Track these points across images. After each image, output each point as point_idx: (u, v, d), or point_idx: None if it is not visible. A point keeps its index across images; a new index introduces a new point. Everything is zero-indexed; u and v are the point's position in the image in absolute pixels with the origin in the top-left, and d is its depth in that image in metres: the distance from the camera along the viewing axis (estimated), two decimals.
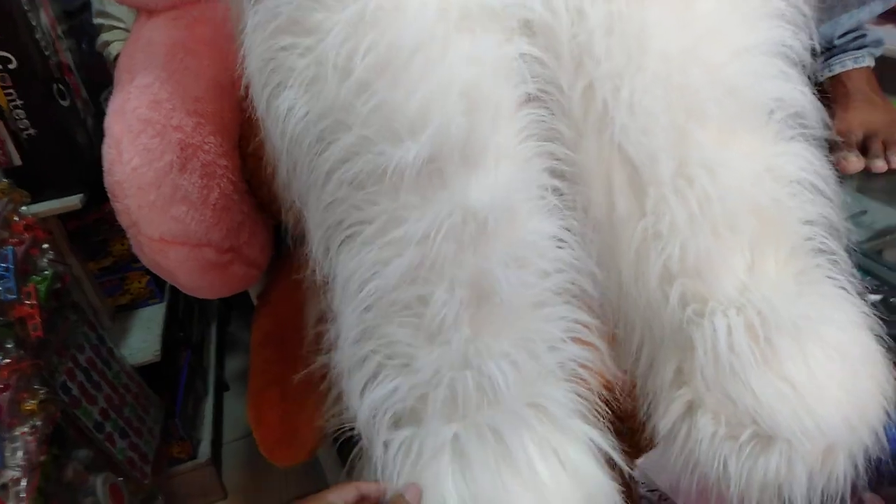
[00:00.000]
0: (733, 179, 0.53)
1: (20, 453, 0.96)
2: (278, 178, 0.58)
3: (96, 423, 1.28)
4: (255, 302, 1.26)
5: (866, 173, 1.06)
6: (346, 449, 1.42)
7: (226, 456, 1.82)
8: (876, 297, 0.92)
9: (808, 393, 0.53)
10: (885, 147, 1.01)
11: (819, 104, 0.58)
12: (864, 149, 1.03)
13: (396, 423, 0.53)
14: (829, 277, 0.57)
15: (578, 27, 0.50)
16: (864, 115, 1.03)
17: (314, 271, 0.56)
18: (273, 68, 0.52)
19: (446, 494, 0.50)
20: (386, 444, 0.53)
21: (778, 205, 0.55)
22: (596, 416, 0.55)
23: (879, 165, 1.00)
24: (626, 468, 0.55)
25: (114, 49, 1.52)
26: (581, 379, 0.55)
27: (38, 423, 1.04)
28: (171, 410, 1.64)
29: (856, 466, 0.55)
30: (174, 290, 1.82)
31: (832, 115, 1.08)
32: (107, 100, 0.96)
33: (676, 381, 0.57)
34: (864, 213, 1.03)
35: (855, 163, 1.01)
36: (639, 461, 0.81)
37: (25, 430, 1.00)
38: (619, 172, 0.53)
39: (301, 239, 0.61)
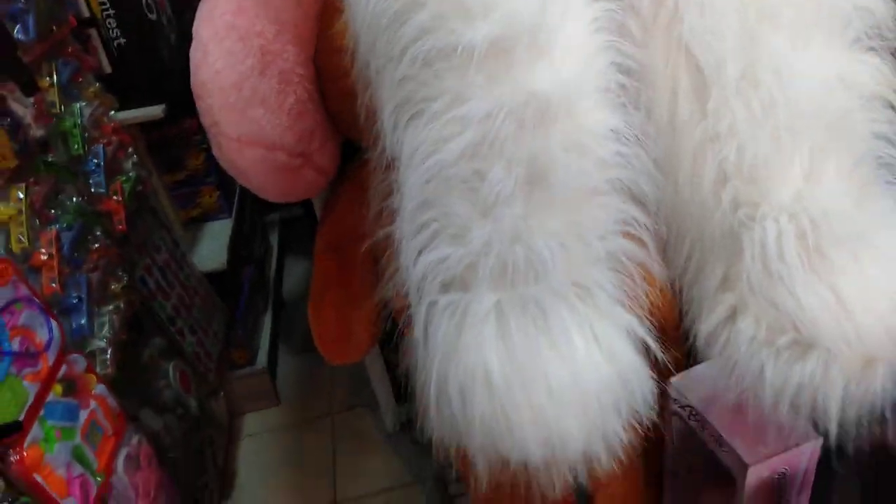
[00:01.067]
0: (802, 84, 0.53)
1: (106, 328, 1.07)
2: (357, 62, 0.61)
3: (169, 316, 1.39)
4: (318, 215, 1.32)
5: None
6: (393, 356, 1.49)
7: (280, 367, 1.93)
8: None
9: (853, 302, 0.53)
10: None
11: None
12: None
13: (445, 288, 0.55)
14: (893, 193, 0.57)
15: None
16: None
17: (383, 150, 0.59)
18: None
19: (487, 356, 0.52)
20: (432, 305, 0.55)
21: (846, 114, 0.54)
22: (638, 308, 0.57)
23: None
24: (661, 356, 0.56)
25: None
26: (627, 271, 0.57)
27: (122, 305, 1.14)
28: (233, 318, 1.75)
29: None
30: (241, 207, 1.92)
31: None
32: (190, 20, 1.02)
33: (722, 286, 0.58)
34: None
35: None
36: (672, 379, 0.84)
37: (110, 308, 1.10)
38: (684, 74, 0.54)
39: (373, 141, 0.63)
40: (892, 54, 0.57)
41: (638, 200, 0.57)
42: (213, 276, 1.69)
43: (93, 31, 1.38)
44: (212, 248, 1.74)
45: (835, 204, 0.54)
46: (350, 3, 0.59)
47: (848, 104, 0.54)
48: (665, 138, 0.57)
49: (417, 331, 0.57)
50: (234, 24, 0.97)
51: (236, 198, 1.88)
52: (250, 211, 2.02)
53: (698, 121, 0.55)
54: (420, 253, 0.56)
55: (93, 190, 1.18)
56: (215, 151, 1.03)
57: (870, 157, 0.56)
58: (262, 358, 1.83)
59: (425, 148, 0.54)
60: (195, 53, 0.99)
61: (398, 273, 0.59)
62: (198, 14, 1.01)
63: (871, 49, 0.56)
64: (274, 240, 2.30)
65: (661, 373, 0.59)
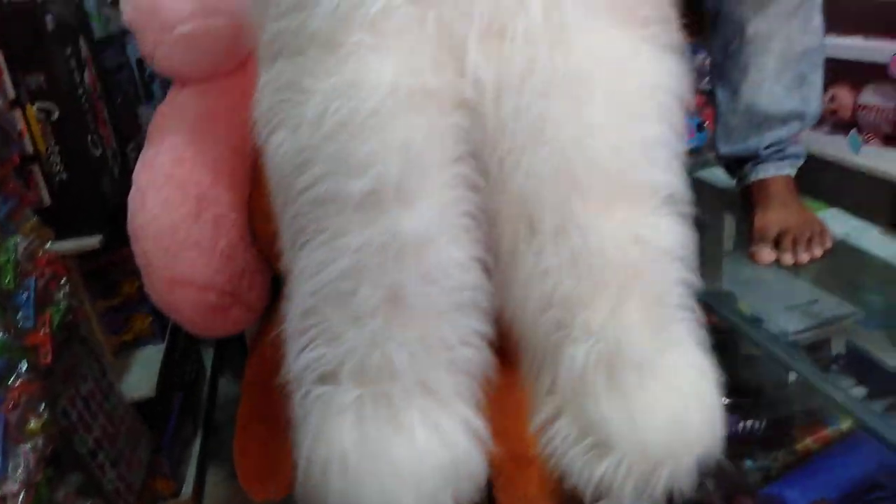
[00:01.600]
0: (602, 242, 0.67)
1: (21, 468, 1.04)
2: (272, 199, 0.76)
3: (91, 450, 1.35)
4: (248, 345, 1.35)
5: (820, 266, 1.18)
6: None
7: (208, 496, 1.86)
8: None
9: (640, 416, 0.69)
10: (795, 244, 1.18)
11: (688, 188, 0.72)
12: (778, 244, 1.21)
13: (320, 381, 0.69)
14: (681, 327, 0.73)
15: (497, 110, 0.66)
16: (780, 215, 1.21)
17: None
18: (273, 114, 0.71)
19: (345, 440, 0.67)
20: (307, 394, 0.70)
21: (644, 264, 0.69)
22: (474, 405, 0.72)
23: (787, 259, 1.19)
24: (488, 444, 0.71)
25: None
26: (468, 374, 0.71)
27: (39, 442, 1.12)
28: (159, 446, 1.71)
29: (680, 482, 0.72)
30: (174, 333, 1.91)
31: (754, 214, 1.23)
32: (133, 151, 1.09)
33: (550, 390, 0.73)
34: (815, 301, 1.14)
35: (767, 255, 1.20)
36: None
37: (27, 447, 1.08)
38: (519, 222, 0.69)
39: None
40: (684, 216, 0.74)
41: (480, 316, 0.71)
42: (141, 404, 1.66)
43: (35, 167, 1.44)
44: (142, 374, 1.73)
45: (632, 333, 0.69)
46: (264, 153, 0.74)
47: (645, 256, 0.70)
48: (504, 266, 0.71)
49: (297, 416, 0.71)
50: (173, 173, 1.04)
51: (170, 323, 1.89)
52: (184, 335, 2.01)
53: (527, 257, 0.69)
54: (302, 350, 0.70)
55: (20, 324, 1.18)
56: (148, 290, 1.07)
57: (668, 296, 0.72)
58: (188, 488, 1.77)
59: (312, 267, 0.68)
60: (133, 199, 1.05)
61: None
62: (139, 160, 1.08)
63: (666, 214, 0.71)
64: (208, 361, 2.28)
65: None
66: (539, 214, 0.68)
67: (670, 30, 0.72)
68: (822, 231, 1.20)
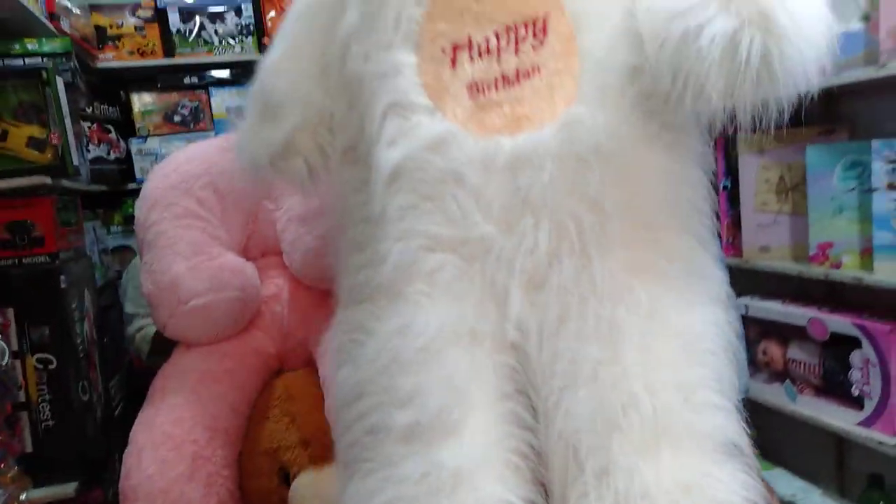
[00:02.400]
0: (647, 488, 0.69)
1: None
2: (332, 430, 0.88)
3: None
4: None
5: None
6: None
7: None
8: None
9: None
10: None
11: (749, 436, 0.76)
12: None
13: None
14: None
15: (539, 353, 0.75)
16: None
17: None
18: (342, 352, 0.84)
19: None
20: None
21: None
22: None
23: None
24: None
25: (148, 332, 1.75)
26: None
27: None
28: None
29: None
30: None
31: None
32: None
33: None
34: None
35: None
36: None
37: None
38: (565, 462, 0.72)
39: None
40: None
41: None
42: None
43: (24, 414, 1.47)
44: None
45: None
46: (332, 386, 0.91)
47: None
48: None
49: None
50: (172, 433, 1.12)
51: None
52: None
53: (574, 501, 0.72)
54: None
55: None
56: None
57: None
58: None
59: (360, 497, 0.75)
60: (129, 457, 1.11)
61: None
62: (138, 419, 1.16)
63: (727, 462, 0.72)
64: None
65: None
66: (583, 454, 0.71)
67: (705, 280, 0.80)
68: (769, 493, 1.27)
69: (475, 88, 0.75)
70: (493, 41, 0.75)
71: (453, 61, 0.76)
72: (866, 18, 1.17)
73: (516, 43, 0.75)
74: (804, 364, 1.51)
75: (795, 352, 1.53)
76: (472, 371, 0.74)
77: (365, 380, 0.78)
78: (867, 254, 1.30)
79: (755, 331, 1.63)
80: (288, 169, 0.87)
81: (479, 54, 0.75)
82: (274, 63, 0.88)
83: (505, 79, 0.75)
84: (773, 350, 1.60)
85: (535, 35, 0.75)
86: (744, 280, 1.65)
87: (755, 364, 1.63)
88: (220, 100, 2.40)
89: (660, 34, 0.69)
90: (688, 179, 0.80)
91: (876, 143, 1.24)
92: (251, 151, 0.88)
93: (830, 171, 1.35)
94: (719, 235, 1.64)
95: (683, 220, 0.80)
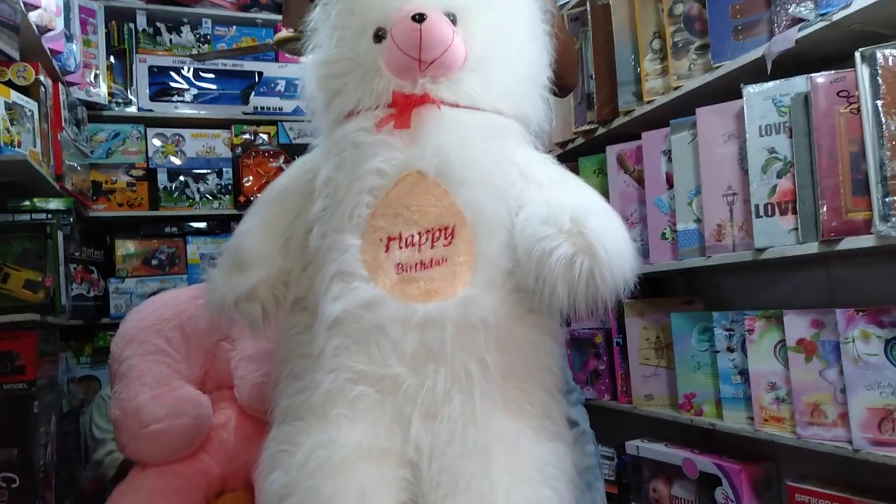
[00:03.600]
0: None
1: None
2: None
3: None
4: None
5: None
6: None
7: None
8: None
9: None
10: None
11: None
12: None
13: None
14: None
15: (429, 468, 0.98)
16: None
17: None
18: (272, 460, 1.05)
19: None
20: None
21: None
22: None
23: None
24: None
25: (116, 457, 1.91)
26: None
27: None
28: None
29: None
30: None
31: None
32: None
33: None
34: None
35: None
36: None
37: None
38: None
39: None
40: None
41: None
42: None
43: None
44: None
45: None
46: (261, 489, 1.06)
47: None
48: None
49: None
50: None
51: None
52: None
53: None
54: None
55: None
56: None
57: None
58: None
59: None
60: None
61: None
62: None
63: None
64: None
65: None
66: None
67: (560, 421, 1.08)
68: None
69: (401, 267, 1.04)
70: (417, 238, 1.05)
71: (387, 247, 1.05)
72: (698, 221, 1.54)
73: (432, 241, 1.05)
74: (684, 501, 1.73)
75: (677, 489, 1.76)
76: (378, 481, 0.98)
77: (292, 482, 0.99)
78: (719, 404, 1.58)
79: (647, 470, 1.86)
80: (248, 311, 1.13)
81: (406, 245, 1.05)
82: (248, 229, 1.17)
83: (422, 264, 1.04)
84: (660, 488, 1.82)
85: (446, 237, 1.05)
86: (635, 424, 1.91)
87: (647, 501, 1.85)
88: (195, 247, 2.70)
89: (527, 250, 1.01)
90: (546, 348, 1.10)
91: (716, 315, 1.57)
92: (221, 293, 1.14)
93: (689, 334, 1.67)
94: (614, 383, 1.93)
95: (541, 376, 1.09)
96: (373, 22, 1.09)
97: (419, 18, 1.02)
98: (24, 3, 1.65)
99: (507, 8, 1.14)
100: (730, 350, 1.54)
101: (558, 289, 0.97)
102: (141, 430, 1.40)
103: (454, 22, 1.08)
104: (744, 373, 1.50)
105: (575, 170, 1.94)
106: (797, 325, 1.36)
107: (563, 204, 1.01)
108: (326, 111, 1.15)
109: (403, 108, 1.05)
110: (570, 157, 2.00)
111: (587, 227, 0.96)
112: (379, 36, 1.08)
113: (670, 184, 1.62)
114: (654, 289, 1.96)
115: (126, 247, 2.62)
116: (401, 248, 1.04)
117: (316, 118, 1.18)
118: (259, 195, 1.25)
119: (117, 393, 1.46)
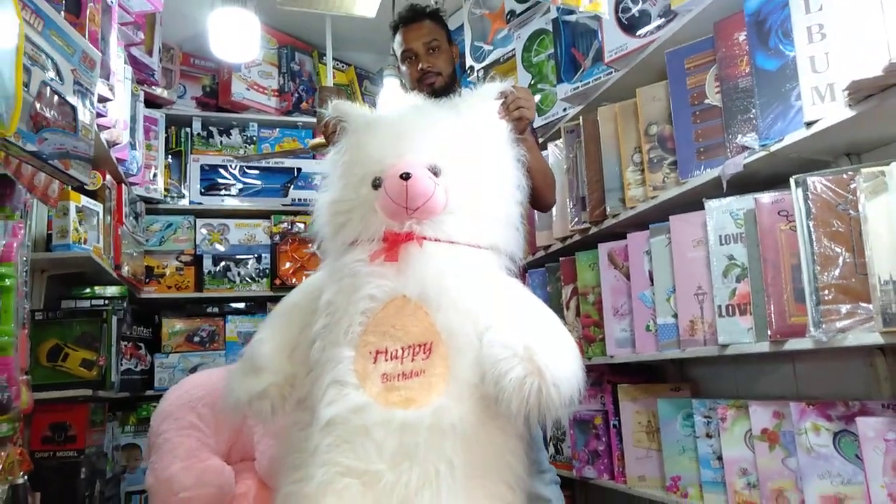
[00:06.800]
0: None
1: None
2: None
3: None
4: None
5: None
6: None
7: None
8: None
9: None
10: None
11: None
12: None
13: None
14: None
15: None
16: None
17: None
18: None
19: None
20: None
21: None
22: None
23: None
24: None
25: None
26: None
27: None
28: None
29: None
30: None
31: None
32: None
33: None
34: None
35: None
36: None
37: None
38: None
39: None
40: None
41: None
42: None
43: None
44: None
45: None
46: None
47: None
48: None
49: None
50: None
51: None
52: None
53: None
54: None
55: None
56: None
57: None
58: None
59: None
60: None
61: None
62: None
63: None
64: None
65: None
66: None
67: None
68: None
69: (385, 377, 1.24)
70: (400, 352, 1.25)
71: (374, 359, 1.25)
72: (675, 316, 1.69)
73: (413, 355, 1.25)
74: None
75: None
76: None
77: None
78: (701, 487, 1.69)
79: None
80: (259, 408, 1.34)
81: (391, 358, 1.25)
82: (262, 337, 1.39)
83: (404, 374, 1.24)
84: None
85: (424, 353, 1.25)
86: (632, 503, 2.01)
87: None
88: (234, 326, 2.95)
89: (488, 368, 1.20)
90: (507, 447, 1.27)
91: (695, 402, 1.69)
92: (237, 393, 1.35)
93: (675, 419, 1.79)
94: (612, 464, 2.04)
95: (503, 473, 1.26)
96: (371, 173, 1.34)
97: (405, 177, 1.26)
98: (98, 125, 1.97)
99: (483, 161, 1.38)
100: (708, 436, 1.66)
101: (512, 404, 1.15)
102: (172, 498, 1.59)
103: (437, 174, 1.32)
104: (721, 458, 1.61)
105: (573, 263, 2.13)
106: (761, 415, 1.49)
107: (520, 328, 1.21)
108: (333, 239, 1.39)
109: (392, 244, 1.28)
110: (569, 251, 2.18)
111: (537, 354, 1.15)
112: (376, 184, 1.33)
113: (652, 281, 1.79)
114: (648, 376, 2.09)
115: (172, 325, 2.88)
116: (386, 360, 1.25)
117: (324, 243, 1.42)
118: (278, 305, 1.48)
119: (153, 463, 1.66)
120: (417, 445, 1.18)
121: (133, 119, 2.44)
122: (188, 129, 3.05)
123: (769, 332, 1.39)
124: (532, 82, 2.41)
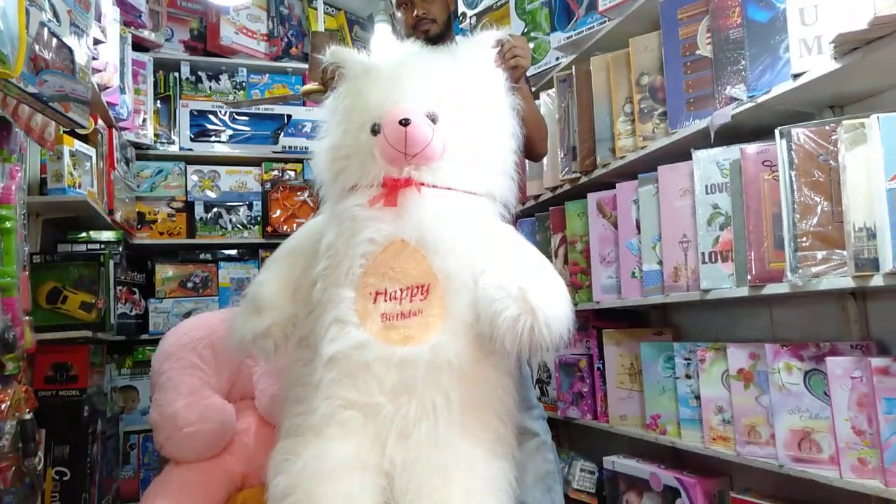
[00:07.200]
0: None
1: None
2: None
3: None
4: None
5: None
6: None
7: None
8: None
9: None
10: None
11: None
12: None
13: None
14: None
15: (401, 478, 1.22)
16: None
17: None
18: (278, 466, 1.28)
19: None
20: None
21: None
22: None
23: None
24: None
25: None
26: None
27: None
28: None
29: None
30: None
31: None
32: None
33: None
34: None
35: None
36: None
37: None
38: None
39: None
40: None
41: None
42: None
43: None
44: None
45: None
46: (269, 489, 1.28)
47: None
48: None
49: None
50: None
51: None
52: None
53: None
54: None
55: None
56: None
57: None
58: None
59: None
60: None
61: None
62: None
63: None
64: None
65: None
66: None
67: (509, 443, 1.32)
68: None
69: (385, 317, 1.30)
70: (398, 293, 1.31)
71: (374, 300, 1.31)
72: (660, 263, 1.76)
73: (411, 296, 1.31)
74: None
75: (647, 501, 1.96)
76: (361, 487, 1.23)
77: (292, 485, 1.24)
78: (679, 424, 1.79)
79: (622, 483, 2.06)
80: (262, 346, 1.40)
81: (390, 299, 1.31)
82: (264, 279, 1.44)
83: (402, 314, 1.30)
84: (633, 500, 2.02)
85: (422, 294, 1.31)
86: (615, 442, 2.12)
87: None
88: (227, 272, 2.99)
89: (484, 308, 1.26)
90: (500, 384, 1.35)
91: (676, 345, 1.78)
92: (240, 332, 1.40)
93: (657, 361, 1.88)
94: (595, 404, 2.14)
95: (495, 407, 1.34)
96: (370, 119, 1.37)
97: (405, 122, 1.29)
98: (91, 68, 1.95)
99: (479, 109, 1.42)
100: (687, 377, 1.75)
101: (506, 341, 1.22)
102: (175, 432, 1.66)
103: (435, 121, 1.35)
104: (699, 397, 1.71)
105: (562, 212, 2.18)
106: (738, 357, 1.57)
107: (515, 271, 1.27)
108: (333, 184, 1.43)
109: (391, 190, 1.32)
110: (558, 200, 2.23)
111: (530, 294, 1.21)
112: (374, 130, 1.36)
113: (639, 229, 1.85)
114: (633, 321, 2.17)
115: (165, 271, 2.91)
116: (386, 300, 1.30)
117: (323, 188, 1.46)
118: (278, 249, 1.52)
119: (157, 400, 1.72)
120: (416, 379, 1.24)
121: (122, 62, 2.42)
122: (177, 74, 3.02)
123: (749, 278, 1.46)
124: (525, 30, 2.40)
